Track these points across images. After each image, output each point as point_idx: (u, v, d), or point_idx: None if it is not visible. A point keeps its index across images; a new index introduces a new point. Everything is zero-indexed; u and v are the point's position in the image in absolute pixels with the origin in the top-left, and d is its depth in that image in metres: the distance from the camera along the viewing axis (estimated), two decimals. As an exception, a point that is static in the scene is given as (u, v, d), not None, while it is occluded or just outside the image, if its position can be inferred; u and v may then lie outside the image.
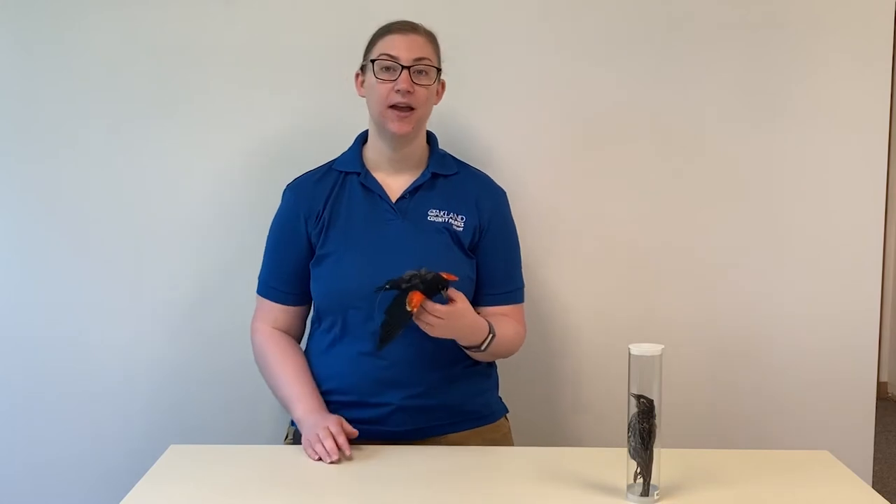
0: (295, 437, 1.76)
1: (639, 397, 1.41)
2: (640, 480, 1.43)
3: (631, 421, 1.42)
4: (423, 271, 1.57)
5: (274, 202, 2.12)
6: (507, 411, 1.89)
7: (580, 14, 2.09)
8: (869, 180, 2.15)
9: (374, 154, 1.78)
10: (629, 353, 1.41)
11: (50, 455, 2.17)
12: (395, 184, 1.77)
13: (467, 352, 1.72)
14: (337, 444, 1.59)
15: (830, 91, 2.12)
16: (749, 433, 2.19)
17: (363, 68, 1.75)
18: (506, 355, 1.82)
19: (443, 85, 1.79)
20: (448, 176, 1.80)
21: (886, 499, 1.44)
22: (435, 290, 1.58)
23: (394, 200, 1.75)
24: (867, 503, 1.45)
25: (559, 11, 2.09)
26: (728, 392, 2.19)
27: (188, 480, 1.54)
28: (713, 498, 1.46)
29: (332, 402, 1.73)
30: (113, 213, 2.12)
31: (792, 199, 2.15)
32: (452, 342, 1.68)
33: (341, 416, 1.68)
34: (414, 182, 1.77)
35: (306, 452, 1.62)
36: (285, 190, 1.84)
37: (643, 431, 1.41)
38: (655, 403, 1.41)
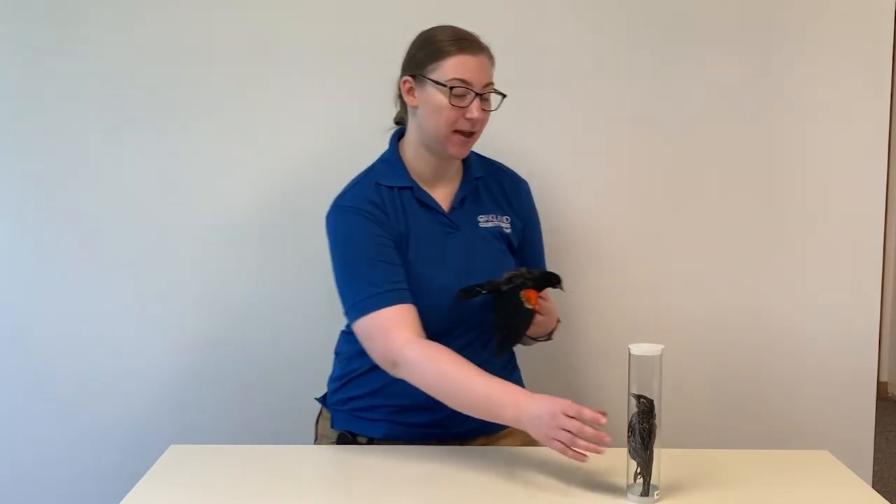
0: (340, 441, 1.73)
1: (639, 397, 1.41)
2: (640, 480, 1.43)
3: (631, 421, 1.42)
4: (523, 270, 1.58)
5: (275, 202, 2.13)
6: None
7: (580, 14, 2.10)
8: (869, 179, 2.15)
9: (419, 165, 1.70)
10: (629, 354, 1.41)
11: (50, 455, 2.17)
12: (440, 194, 1.72)
13: (533, 342, 1.74)
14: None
15: (831, 90, 2.12)
16: (749, 433, 2.19)
17: (416, 77, 1.63)
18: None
19: None
20: (482, 177, 1.77)
21: (886, 499, 1.44)
22: (545, 286, 1.59)
23: (446, 210, 1.71)
24: (867, 503, 1.45)
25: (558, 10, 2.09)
26: (728, 392, 2.19)
27: (188, 480, 1.54)
28: (713, 498, 1.46)
29: (384, 405, 1.70)
30: (114, 213, 2.13)
31: (792, 199, 2.15)
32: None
33: (392, 420, 1.68)
34: (460, 190, 1.73)
35: (553, 447, 1.43)
36: (345, 211, 1.66)
37: (643, 431, 1.41)
38: (655, 403, 1.41)
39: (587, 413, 1.40)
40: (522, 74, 2.10)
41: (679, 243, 2.16)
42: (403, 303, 1.57)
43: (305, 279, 2.12)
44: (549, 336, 1.76)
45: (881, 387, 4.71)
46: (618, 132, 2.13)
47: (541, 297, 1.63)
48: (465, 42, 1.62)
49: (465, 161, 1.75)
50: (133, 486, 1.50)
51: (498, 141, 2.10)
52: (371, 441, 1.72)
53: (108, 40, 2.08)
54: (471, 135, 1.64)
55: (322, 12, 2.09)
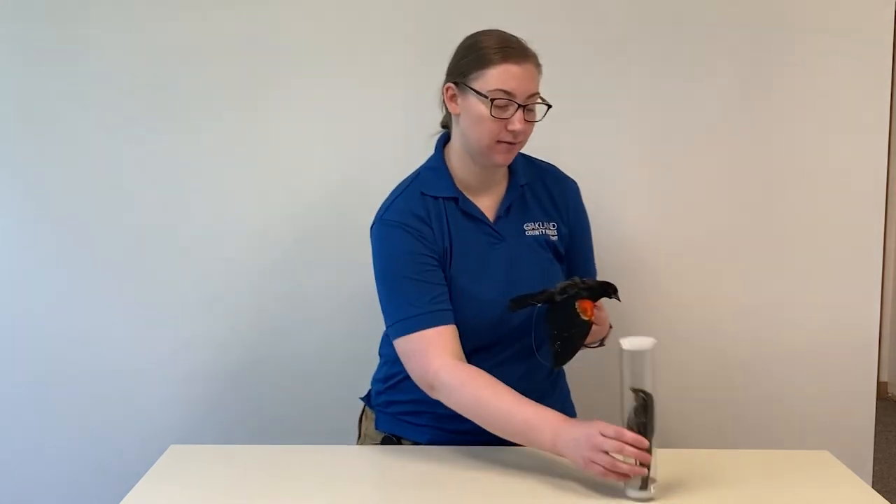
0: (363, 439, 1.73)
1: (637, 391, 1.40)
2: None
3: (628, 416, 1.41)
4: (577, 280, 1.54)
5: (276, 203, 2.13)
6: (576, 416, 1.82)
7: (577, 15, 2.10)
8: (869, 180, 2.15)
9: (464, 173, 1.65)
10: (620, 349, 1.40)
11: (50, 455, 2.17)
12: (485, 202, 1.67)
13: (584, 348, 1.66)
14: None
15: (831, 91, 2.12)
16: (749, 433, 2.19)
17: (459, 85, 1.57)
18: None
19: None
20: (529, 182, 1.72)
21: (886, 499, 1.44)
22: (600, 297, 1.55)
23: (491, 220, 1.66)
24: (867, 503, 1.45)
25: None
26: (728, 392, 2.19)
27: (188, 480, 1.54)
28: (713, 498, 1.46)
29: (428, 412, 1.65)
30: (115, 213, 2.13)
31: (792, 199, 2.15)
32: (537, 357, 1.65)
33: (435, 426, 1.65)
34: (505, 199, 1.68)
35: (593, 470, 1.40)
36: (389, 226, 1.61)
37: (641, 426, 1.40)
38: (652, 396, 1.40)
39: (629, 436, 1.38)
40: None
41: (679, 243, 2.16)
42: (443, 324, 1.55)
43: (306, 278, 2.13)
44: (601, 342, 1.68)
45: (881, 387, 4.71)
46: (616, 134, 2.13)
47: (595, 308, 1.58)
48: (510, 50, 1.54)
49: (510, 166, 1.70)
50: (133, 486, 1.51)
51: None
52: (417, 445, 1.70)
53: (109, 40, 2.08)
54: (514, 144, 1.59)
55: (325, 12, 2.09)
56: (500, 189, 1.69)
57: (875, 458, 2.26)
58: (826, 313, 2.18)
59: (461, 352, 1.56)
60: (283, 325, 2.16)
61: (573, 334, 1.53)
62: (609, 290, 1.56)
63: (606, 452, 1.38)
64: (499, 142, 1.56)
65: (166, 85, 2.10)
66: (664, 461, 1.44)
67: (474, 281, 1.62)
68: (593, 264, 1.81)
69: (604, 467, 1.38)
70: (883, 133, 2.15)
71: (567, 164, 2.13)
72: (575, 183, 1.79)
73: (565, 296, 1.52)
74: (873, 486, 1.66)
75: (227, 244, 2.14)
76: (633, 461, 1.39)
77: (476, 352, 1.59)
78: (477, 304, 1.61)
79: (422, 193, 1.63)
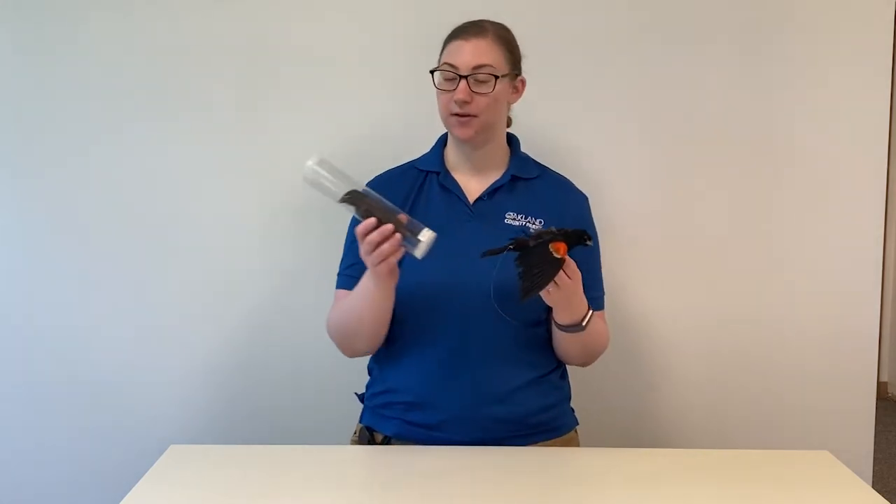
0: (361, 436, 1.75)
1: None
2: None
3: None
4: (552, 229, 1.54)
5: (276, 201, 2.13)
6: (578, 424, 1.82)
7: (581, 14, 2.10)
8: (869, 180, 2.15)
9: (453, 155, 1.77)
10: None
11: (50, 455, 2.17)
12: (474, 185, 1.75)
13: (563, 335, 1.66)
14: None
15: (831, 91, 2.12)
16: (749, 433, 2.19)
17: (434, 71, 1.71)
18: (595, 356, 1.77)
19: (522, 82, 1.74)
20: (528, 179, 1.77)
21: (886, 499, 1.44)
22: (576, 244, 1.54)
23: (472, 201, 1.73)
24: (867, 503, 1.45)
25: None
26: (728, 392, 2.19)
27: (188, 480, 1.54)
28: (713, 498, 1.46)
29: (395, 402, 1.71)
30: (114, 213, 2.13)
31: (792, 199, 2.15)
32: (523, 352, 1.68)
33: (401, 418, 1.69)
34: (493, 184, 1.74)
35: (368, 263, 1.56)
36: (367, 186, 1.75)
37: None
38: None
39: (367, 227, 1.52)
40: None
41: (679, 244, 2.16)
42: (350, 288, 1.71)
43: (307, 278, 2.12)
44: (581, 325, 1.65)
45: (881, 387, 4.72)
46: (615, 132, 2.13)
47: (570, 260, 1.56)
48: (460, 29, 1.69)
49: (511, 159, 1.77)
50: (133, 486, 1.50)
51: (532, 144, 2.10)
52: (387, 439, 1.72)
53: (108, 40, 2.08)
54: (468, 116, 1.66)
55: (326, 12, 2.09)
56: (495, 176, 1.75)
57: (875, 458, 2.26)
58: (826, 313, 2.17)
59: None
60: (283, 325, 2.16)
61: (544, 269, 1.52)
62: (584, 237, 1.55)
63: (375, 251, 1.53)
64: (452, 115, 1.67)
65: (166, 85, 2.10)
66: (665, 461, 1.44)
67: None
68: (600, 286, 1.79)
69: (377, 262, 1.53)
70: (883, 133, 2.15)
71: (567, 164, 2.13)
72: (584, 197, 1.82)
73: (540, 240, 1.52)
74: (873, 486, 1.66)
75: (226, 244, 2.14)
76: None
77: (431, 324, 1.68)
78: (425, 269, 1.63)
79: (412, 167, 1.79)
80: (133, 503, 1.44)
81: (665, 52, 2.11)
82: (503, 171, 1.76)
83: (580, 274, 1.57)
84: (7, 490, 2.18)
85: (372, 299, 1.62)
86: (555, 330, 1.68)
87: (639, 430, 2.20)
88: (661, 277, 2.17)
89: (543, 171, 1.81)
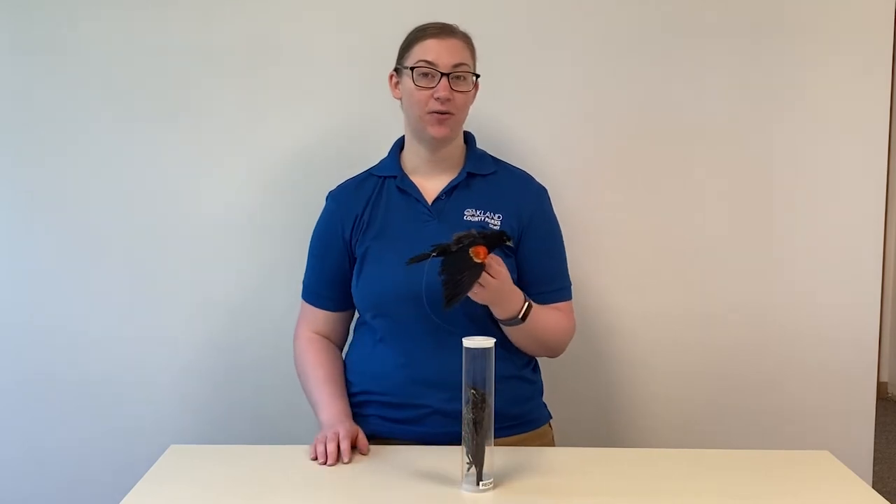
0: None
1: (472, 388, 1.44)
2: (472, 471, 1.46)
3: (464, 412, 1.45)
4: (473, 231, 1.55)
5: (273, 201, 2.13)
6: (551, 417, 1.86)
7: (579, 15, 2.10)
8: (869, 180, 2.14)
9: (411, 157, 1.78)
10: (462, 346, 1.44)
11: (49, 455, 2.17)
12: (432, 186, 1.76)
13: (507, 328, 1.68)
14: (339, 450, 1.59)
15: (831, 91, 2.12)
16: (749, 433, 2.19)
17: (398, 71, 1.74)
18: (553, 347, 1.78)
19: (476, 85, 1.76)
20: (485, 175, 1.78)
21: (886, 499, 1.44)
22: (496, 245, 1.56)
23: (430, 202, 1.75)
24: (867, 503, 1.45)
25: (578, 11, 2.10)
26: (728, 392, 2.19)
27: (188, 480, 1.54)
28: (713, 498, 1.46)
29: (371, 401, 1.74)
30: (113, 213, 2.12)
31: (792, 199, 2.15)
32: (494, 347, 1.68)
33: (378, 415, 1.72)
34: (450, 182, 1.76)
35: (309, 453, 1.62)
36: (327, 197, 1.84)
37: (473, 422, 1.44)
38: (487, 396, 1.44)
39: (330, 446, 1.60)
40: (517, 72, 2.10)
41: (679, 244, 2.15)
42: (316, 306, 1.83)
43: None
44: (518, 319, 1.66)
45: (881, 387, 4.71)
46: (613, 131, 2.13)
47: (493, 259, 1.58)
48: (430, 28, 1.70)
49: (466, 156, 1.79)
50: (133, 486, 1.51)
51: (493, 139, 2.11)
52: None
53: (107, 40, 2.08)
54: (447, 114, 1.67)
55: (322, 12, 2.09)
56: (452, 175, 1.77)
57: (875, 458, 2.26)
58: (826, 313, 2.17)
59: (329, 332, 1.84)
60: (283, 325, 2.15)
61: (464, 276, 1.54)
62: (503, 239, 1.57)
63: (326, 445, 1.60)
64: (430, 112, 1.68)
65: (166, 84, 2.09)
66: (665, 461, 1.44)
67: (388, 249, 1.72)
68: (554, 273, 1.80)
69: (316, 452, 1.61)
70: (883, 133, 2.14)
71: (567, 164, 2.14)
72: (543, 189, 1.84)
73: (461, 245, 1.53)
74: (873, 486, 1.66)
75: (226, 244, 2.14)
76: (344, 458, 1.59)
77: (396, 326, 1.71)
78: (382, 269, 1.71)
79: (370, 174, 1.82)
80: (133, 503, 1.44)
81: (664, 51, 2.10)
82: (458, 169, 1.78)
83: (506, 271, 1.61)
84: (7, 490, 2.18)
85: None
86: (501, 324, 1.70)
87: (616, 427, 2.19)
88: (659, 277, 2.16)
89: (500, 166, 1.83)
